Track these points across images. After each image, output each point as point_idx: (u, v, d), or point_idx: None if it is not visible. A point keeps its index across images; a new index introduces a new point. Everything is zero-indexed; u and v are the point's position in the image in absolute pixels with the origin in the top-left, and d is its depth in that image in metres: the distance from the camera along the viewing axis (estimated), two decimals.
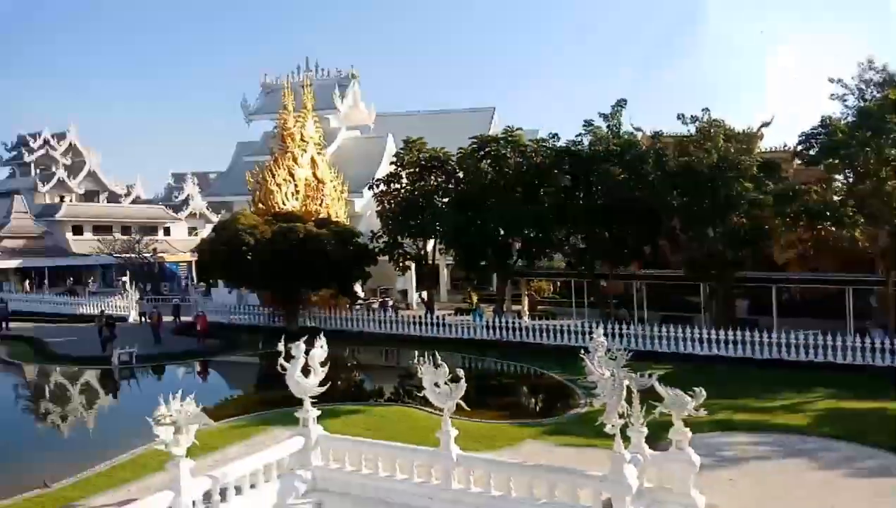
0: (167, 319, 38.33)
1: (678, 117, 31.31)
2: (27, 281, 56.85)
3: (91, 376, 28.82)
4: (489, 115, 59.62)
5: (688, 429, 10.40)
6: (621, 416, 10.03)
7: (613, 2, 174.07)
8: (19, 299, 47.18)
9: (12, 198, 61.34)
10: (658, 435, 11.46)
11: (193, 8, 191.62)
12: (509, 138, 35.26)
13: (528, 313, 39.32)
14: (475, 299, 43.95)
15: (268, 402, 21.77)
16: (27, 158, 71.20)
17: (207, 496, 10.91)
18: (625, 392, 9.97)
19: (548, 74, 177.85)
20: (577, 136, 34.89)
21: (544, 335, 31.61)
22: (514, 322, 33.06)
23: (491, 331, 32.74)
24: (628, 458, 10.09)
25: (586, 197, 33.68)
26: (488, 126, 54.24)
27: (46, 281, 57.99)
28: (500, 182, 34.38)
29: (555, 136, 35.97)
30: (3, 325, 38.89)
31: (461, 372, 11.55)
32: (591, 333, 29.70)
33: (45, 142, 72.28)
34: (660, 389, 10.37)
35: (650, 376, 10.43)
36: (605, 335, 14.07)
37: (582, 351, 10.62)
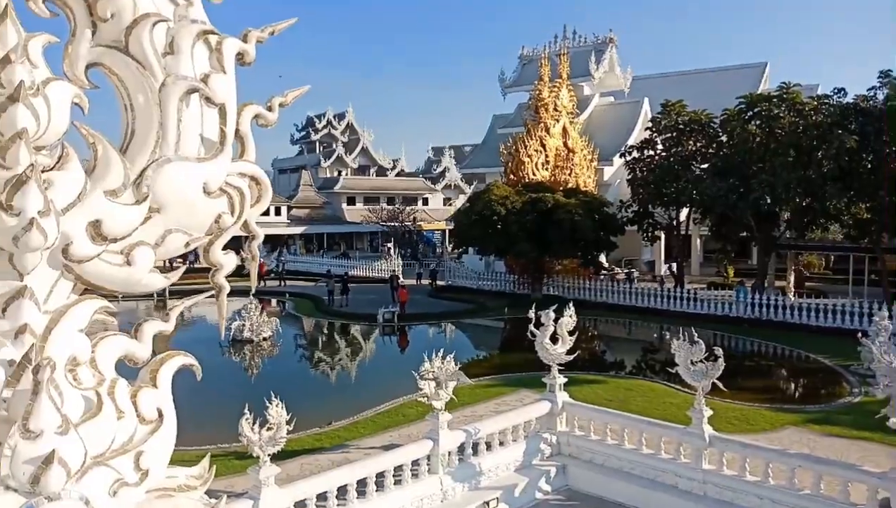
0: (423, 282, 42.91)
1: None
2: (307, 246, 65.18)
3: (357, 331, 32.18)
4: (759, 71, 54.34)
5: None
6: None
7: None
8: (304, 260, 54.05)
9: (300, 173, 70.45)
10: None
11: None
12: (784, 96, 31.99)
13: (793, 290, 35.86)
14: (731, 272, 41.15)
15: (512, 365, 22.55)
16: (313, 137, 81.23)
17: (461, 448, 11.77)
18: None
19: (832, 21, 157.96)
20: (869, 89, 30.84)
21: (812, 314, 28.77)
22: (777, 300, 30.42)
23: (749, 308, 30.48)
24: None
25: (877, 159, 29.63)
26: (758, 84, 49.73)
27: (325, 246, 65.68)
28: (769, 145, 31.45)
29: (840, 91, 32.05)
30: (282, 282, 44.99)
31: (719, 351, 11.06)
32: (871, 315, 26.60)
33: (328, 122, 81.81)
34: None
35: None
36: (891, 317, 12.49)
37: (859, 335, 9.55)
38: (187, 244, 2.60)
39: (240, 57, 2.76)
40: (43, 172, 2.23)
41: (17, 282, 2.27)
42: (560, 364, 13.33)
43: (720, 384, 11.22)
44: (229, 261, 2.79)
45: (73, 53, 2.45)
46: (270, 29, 2.85)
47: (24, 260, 2.22)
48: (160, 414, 2.54)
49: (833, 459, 11.03)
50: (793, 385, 23.16)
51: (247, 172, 2.77)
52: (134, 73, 2.47)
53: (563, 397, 13.39)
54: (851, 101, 31.20)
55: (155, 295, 36.93)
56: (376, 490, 10.47)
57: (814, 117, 30.71)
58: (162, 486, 2.58)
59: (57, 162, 2.30)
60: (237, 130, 2.76)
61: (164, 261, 2.71)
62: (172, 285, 2.79)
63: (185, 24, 2.59)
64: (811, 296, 32.28)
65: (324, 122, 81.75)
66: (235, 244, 2.81)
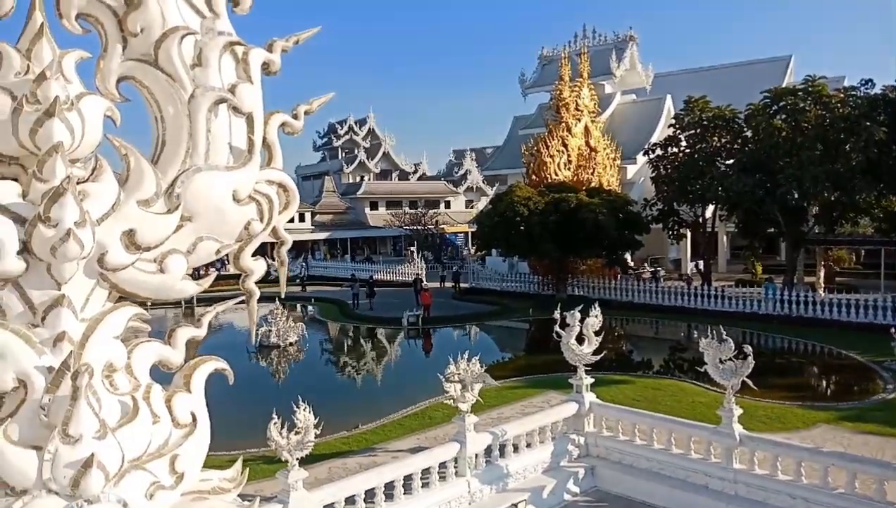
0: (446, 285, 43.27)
1: None
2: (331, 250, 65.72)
3: (383, 334, 32.32)
4: (784, 65, 53.58)
5: None
6: None
7: None
8: (330, 265, 54.39)
9: (323, 179, 71.15)
10: None
11: None
12: (809, 89, 31.46)
13: (823, 285, 35.28)
14: (759, 269, 40.60)
15: (538, 366, 22.48)
16: (335, 143, 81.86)
17: (488, 450, 11.75)
18: None
19: (857, 11, 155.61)
20: None
21: (843, 310, 28.28)
22: (807, 296, 29.96)
23: (779, 305, 30.05)
24: None
25: None
26: (783, 78, 49.10)
27: (349, 251, 66.08)
28: (795, 139, 30.98)
29: (868, 82, 31.48)
30: (304, 288, 45.26)
31: (749, 348, 10.93)
32: None
33: (350, 128, 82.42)
34: None
35: None
36: None
37: (892, 330, 9.40)
38: (218, 251, 2.66)
39: (265, 67, 2.81)
40: (78, 183, 2.30)
41: (55, 291, 2.33)
42: (586, 365, 13.26)
43: (750, 383, 11.09)
44: (259, 267, 2.84)
45: (105, 68, 2.52)
46: (295, 38, 2.90)
47: (62, 270, 2.28)
48: (194, 418, 2.59)
49: (868, 457, 10.87)
50: (824, 383, 22.78)
51: (274, 179, 2.82)
52: (163, 85, 2.54)
53: (590, 397, 13.31)
54: (879, 92, 30.66)
55: (183, 303, 37.53)
56: (404, 493, 10.50)
57: (841, 110, 30.21)
58: (196, 489, 2.64)
59: (91, 174, 2.38)
60: (264, 139, 2.82)
61: (193, 269, 2.77)
62: (201, 292, 2.85)
63: (213, 36, 2.65)
64: (842, 291, 31.70)
65: (345, 128, 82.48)
66: (260, 251, 2.86)
